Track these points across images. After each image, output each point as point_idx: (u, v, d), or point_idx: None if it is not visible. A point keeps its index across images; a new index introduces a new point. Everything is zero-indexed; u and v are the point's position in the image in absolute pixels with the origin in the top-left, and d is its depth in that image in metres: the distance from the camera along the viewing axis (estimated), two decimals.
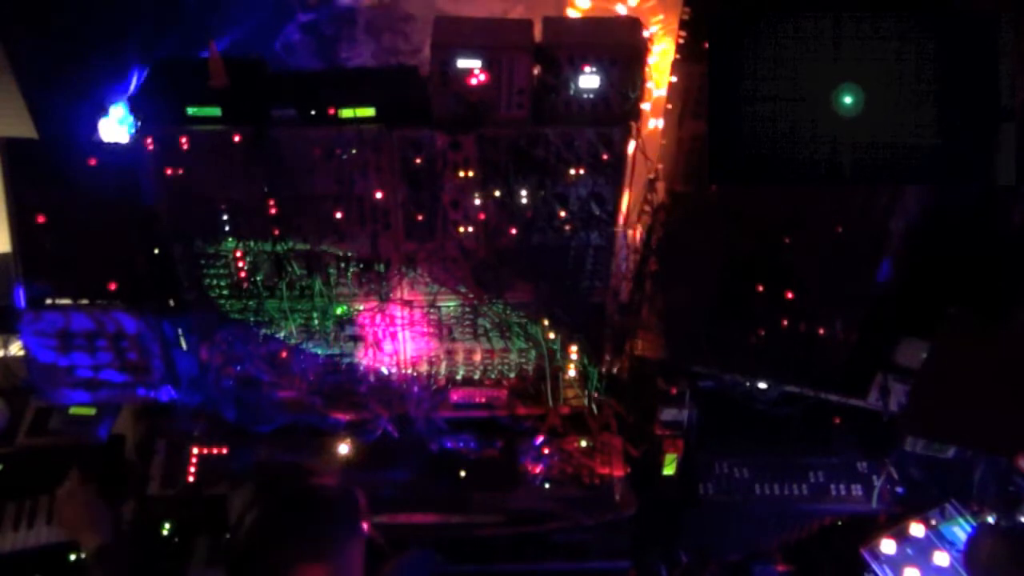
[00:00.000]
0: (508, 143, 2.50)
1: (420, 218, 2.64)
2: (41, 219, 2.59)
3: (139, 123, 2.44)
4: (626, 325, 2.89)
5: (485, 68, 2.35)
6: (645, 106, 2.52)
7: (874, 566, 2.60)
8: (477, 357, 2.98)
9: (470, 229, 2.67)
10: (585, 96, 2.41)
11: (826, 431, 2.94)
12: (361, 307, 2.83)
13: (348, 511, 1.95)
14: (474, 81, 2.36)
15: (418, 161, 2.52)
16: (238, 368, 2.88)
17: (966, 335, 2.44)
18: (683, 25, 2.41)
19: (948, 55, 1.98)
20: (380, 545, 2.38)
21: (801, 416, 2.87)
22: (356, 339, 2.90)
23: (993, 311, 2.43)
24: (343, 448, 2.81)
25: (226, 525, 1.90)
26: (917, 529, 2.65)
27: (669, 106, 2.53)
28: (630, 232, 2.75)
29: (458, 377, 3.01)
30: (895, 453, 2.77)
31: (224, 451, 2.80)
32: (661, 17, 3.19)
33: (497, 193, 2.60)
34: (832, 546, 2.85)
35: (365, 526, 1.96)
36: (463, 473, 2.77)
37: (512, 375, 3.00)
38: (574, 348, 2.92)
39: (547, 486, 2.77)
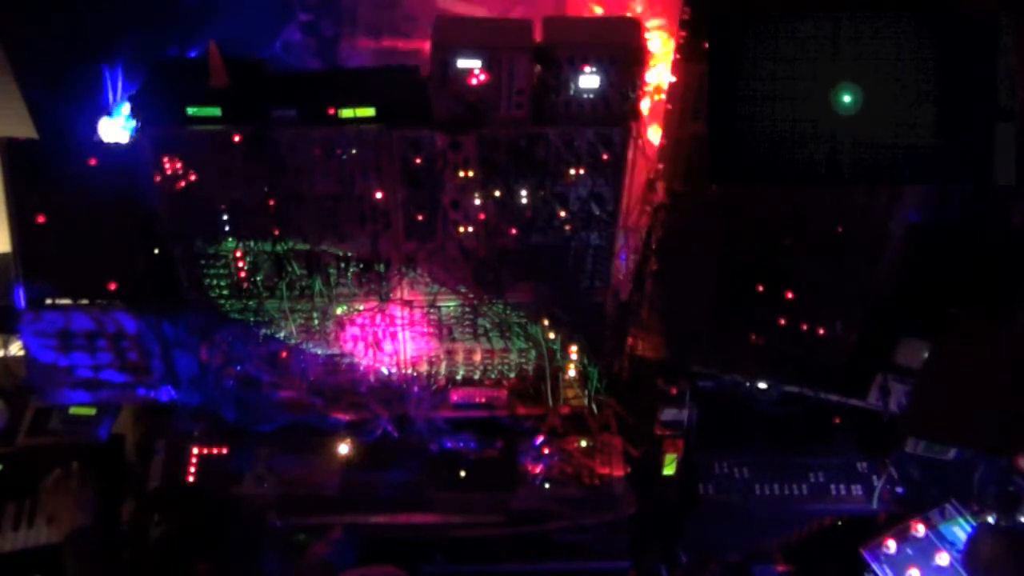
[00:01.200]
0: (508, 143, 2.50)
1: (420, 218, 2.64)
2: (41, 219, 2.59)
3: (139, 123, 2.45)
4: (626, 325, 2.89)
5: (485, 68, 2.35)
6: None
7: (874, 566, 2.60)
8: (477, 357, 2.98)
9: (470, 229, 2.67)
10: (585, 96, 2.41)
11: (826, 431, 2.93)
12: (361, 307, 2.83)
13: (267, 528, 2.01)
14: (474, 81, 2.36)
15: (418, 161, 2.53)
16: (238, 368, 2.88)
17: (966, 335, 2.44)
18: (683, 25, 2.41)
19: (947, 55, 1.98)
20: (299, 538, 2.43)
21: (801, 416, 2.87)
22: (354, 339, 2.90)
23: (993, 311, 2.43)
24: (343, 448, 2.81)
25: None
26: (917, 529, 2.64)
27: (669, 106, 2.53)
28: (630, 232, 2.75)
29: (458, 377, 3.01)
30: (895, 453, 2.77)
31: (224, 451, 2.80)
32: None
33: (497, 193, 2.60)
34: (832, 546, 2.85)
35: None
36: (463, 473, 2.77)
37: (512, 375, 3.00)
38: (574, 348, 2.92)
39: (547, 486, 2.77)
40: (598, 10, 3.12)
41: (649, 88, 2.53)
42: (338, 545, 2.44)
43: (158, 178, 2.52)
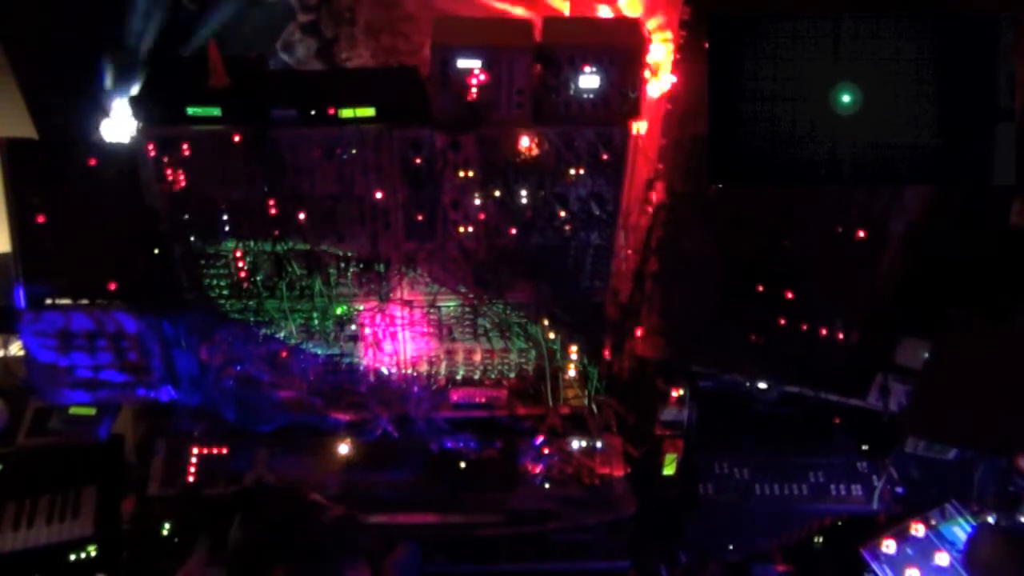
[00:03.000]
0: (508, 143, 2.50)
1: (420, 218, 2.64)
2: (41, 219, 2.59)
3: (139, 123, 2.45)
4: (626, 325, 2.89)
5: (485, 68, 2.35)
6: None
7: (874, 566, 2.60)
8: (477, 357, 2.98)
9: (470, 229, 2.67)
10: (585, 96, 2.41)
11: (826, 431, 2.93)
12: (361, 307, 2.83)
13: (348, 536, 1.98)
14: (474, 81, 2.36)
15: (418, 161, 2.53)
16: (238, 368, 2.88)
17: (966, 335, 2.44)
18: (683, 25, 2.41)
19: (948, 55, 1.98)
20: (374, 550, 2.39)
21: (801, 416, 2.87)
22: (356, 339, 2.90)
23: (993, 311, 2.43)
24: (343, 448, 2.81)
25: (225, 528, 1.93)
26: (917, 529, 2.65)
27: (669, 106, 2.53)
28: (630, 232, 2.75)
29: (458, 377, 3.01)
30: (895, 453, 2.77)
31: (224, 451, 2.80)
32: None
33: (497, 193, 2.60)
34: (832, 546, 2.85)
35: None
36: (463, 473, 2.77)
37: (512, 375, 3.00)
38: (574, 348, 2.92)
39: (547, 486, 2.77)
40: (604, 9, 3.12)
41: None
42: (402, 568, 2.41)
43: (158, 178, 2.52)
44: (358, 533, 2.13)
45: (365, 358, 2.94)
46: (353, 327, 2.87)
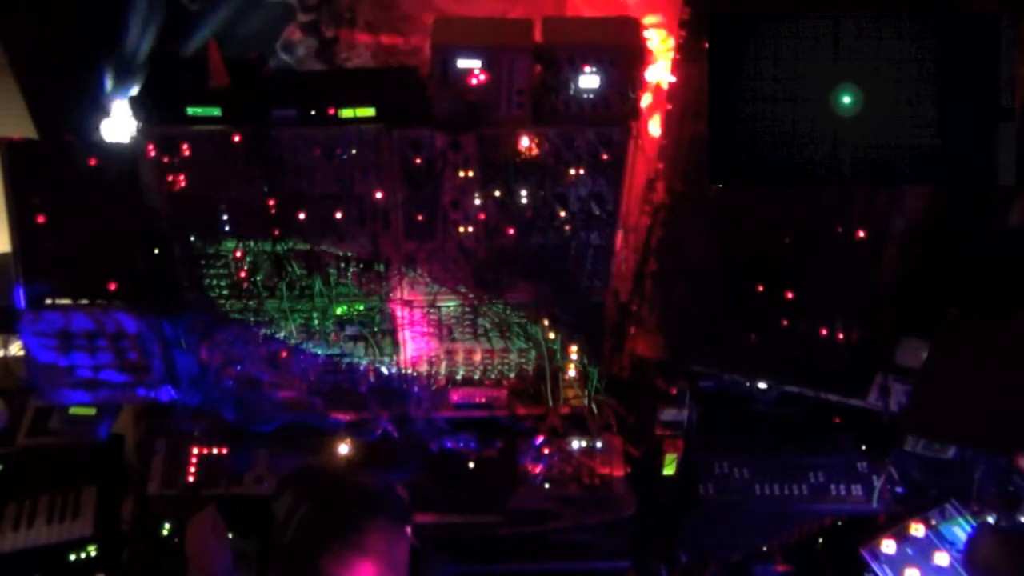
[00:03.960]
0: (508, 143, 2.49)
1: (420, 218, 2.64)
2: (41, 219, 2.59)
3: (139, 123, 2.45)
4: (626, 325, 2.89)
5: (485, 68, 2.35)
6: None
7: (874, 566, 2.60)
8: (477, 357, 2.98)
9: (470, 229, 2.67)
10: (585, 96, 2.41)
11: (826, 431, 2.93)
12: (361, 307, 2.83)
13: (392, 507, 1.95)
14: (474, 81, 2.36)
15: (418, 161, 2.53)
16: (238, 368, 2.88)
17: (966, 335, 2.44)
18: (683, 25, 2.41)
19: (948, 55, 1.98)
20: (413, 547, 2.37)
21: (801, 416, 2.87)
22: (356, 339, 2.90)
23: (993, 311, 2.43)
24: (343, 448, 2.81)
25: (268, 530, 1.91)
26: (917, 529, 2.65)
27: (669, 106, 2.53)
28: (630, 232, 2.75)
29: (458, 377, 3.00)
30: (895, 453, 2.77)
31: (224, 451, 2.80)
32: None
33: (497, 193, 2.60)
34: (832, 546, 2.85)
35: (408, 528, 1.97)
36: (464, 473, 2.77)
37: (512, 375, 3.00)
38: (574, 348, 2.91)
39: (547, 486, 2.77)
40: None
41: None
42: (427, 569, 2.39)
43: (158, 178, 2.52)
44: (394, 494, 2.08)
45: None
46: (352, 329, 2.87)
